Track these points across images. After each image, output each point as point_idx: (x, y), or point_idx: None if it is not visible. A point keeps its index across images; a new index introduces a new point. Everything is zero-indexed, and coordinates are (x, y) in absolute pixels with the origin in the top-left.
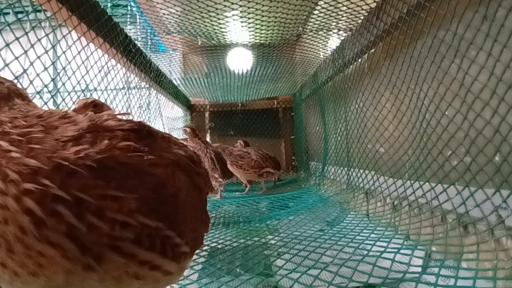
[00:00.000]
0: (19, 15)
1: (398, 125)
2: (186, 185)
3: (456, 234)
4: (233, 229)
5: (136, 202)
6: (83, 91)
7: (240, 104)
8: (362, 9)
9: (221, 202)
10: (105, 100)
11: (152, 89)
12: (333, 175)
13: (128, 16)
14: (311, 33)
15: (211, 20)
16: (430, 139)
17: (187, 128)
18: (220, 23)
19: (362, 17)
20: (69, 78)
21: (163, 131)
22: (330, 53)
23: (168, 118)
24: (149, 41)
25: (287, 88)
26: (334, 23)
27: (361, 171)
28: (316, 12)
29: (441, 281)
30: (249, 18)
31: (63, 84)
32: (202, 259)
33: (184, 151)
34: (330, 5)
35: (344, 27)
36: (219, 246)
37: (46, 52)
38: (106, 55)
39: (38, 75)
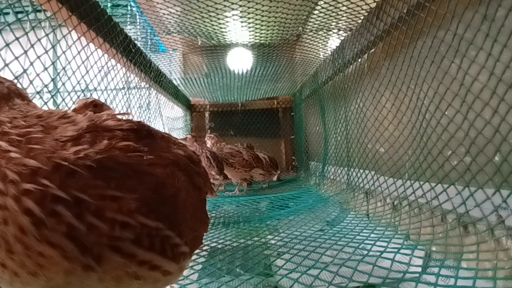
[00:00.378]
0: (19, 15)
1: (398, 125)
2: (186, 185)
3: (456, 234)
4: (233, 229)
5: (135, 202)
6: (83, 91)
7: (240, 104)
8: (362, 9)
9: (221, 202)
10: (105, 100)
11: (152, 89)
12: (333, 175)
13: (128, 16)
14: (311, 33)
15: (211, 20)
16: (430, 139)
17: (189, 136)
18: (220, 23)
19: (362, 17)
20: (69, 78)
21: (163, 131)
22: (330, 53)
23: (168, 118)
24: (149, 41)
25: (287, 88)
26: (334, 23)
27: (361, 171)
28: (316, 12)
29: (441, 281)
30: (249, 18)
31: (63, 84)
32: (202, 259)
33: (184, 151)
34: (330, 5)
35: (344, 27)
36: (219, 246)
37: (46, 52)
38: (106, 55)
39: (38, 75)
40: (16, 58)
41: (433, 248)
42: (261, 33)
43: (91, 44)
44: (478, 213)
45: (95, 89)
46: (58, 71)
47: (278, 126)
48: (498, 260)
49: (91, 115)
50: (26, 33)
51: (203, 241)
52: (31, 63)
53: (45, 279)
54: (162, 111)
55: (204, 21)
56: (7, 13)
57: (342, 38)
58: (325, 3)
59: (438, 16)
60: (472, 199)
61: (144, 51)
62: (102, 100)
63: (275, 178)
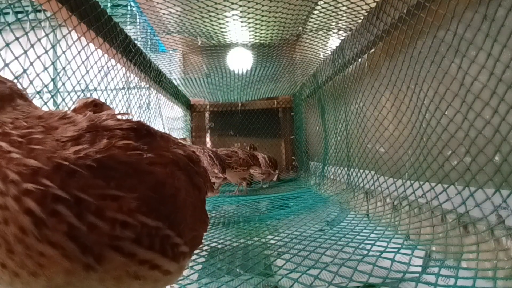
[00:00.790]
0: (19, 15)
1: (398, 125)
2: (185, 185)
3: (456, 234)
4: (233, 229)
5: (136, 201)
6: (83, 91)
7: (240, 104)
8: (362, 9)
9: (221, 202)
10: (105, 100)
11: (152, 89)
12: (333, 175)
13: (128, 16)
14: (311, 33)
15: (211, 20)
16: (430, 139)
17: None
18: (220, 23)
19: (362, 17)
20: (69, 78)
21: (163, 131)
22: (330, 53)
23: (168, 118)
24: (149, 41)
25: (287, 88)
26: (334, 23)
27: (361, 171)
28: (316, 12)
29: (441, 281)
30: (249, 18)
31: (63, 84)
32: (202, 259)
33: (183, 150)
34: (330, 5)
35: (344, 27)
36: (219, 246)
37: (46, 52)
38: (106, 55)
39: (38, 75)
40: (16, 58)
41: (433, 248)
42: (261, 33)
43: (91, 44)
44: (478, 213)
45: (95, 89)
46: (58, 71)
47: (278, 126)
48: (498, 260)
49: (91, 115)
50: (26, 33)
51: (203, 241)
52: (31, 63)
53: (46, 279)
54: (162, 111)
55: (204, 21)
56: (7, 13)
57: (342, 38)
58: (325, 3)
59: (438, 16)
60: (472, 199)
61: (144, 51)
62: (102, 100)
63: (275, 178)
